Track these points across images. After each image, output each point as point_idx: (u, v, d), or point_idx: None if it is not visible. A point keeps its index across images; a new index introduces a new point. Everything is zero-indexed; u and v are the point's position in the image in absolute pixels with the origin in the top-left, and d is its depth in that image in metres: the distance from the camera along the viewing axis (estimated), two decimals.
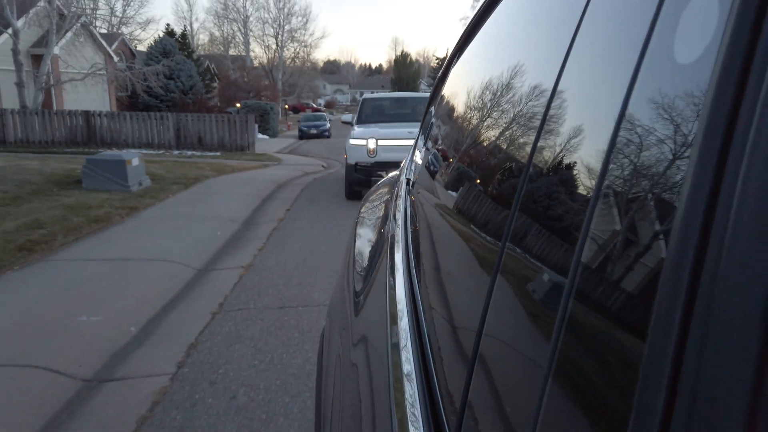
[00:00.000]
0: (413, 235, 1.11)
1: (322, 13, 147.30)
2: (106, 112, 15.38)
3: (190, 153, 14.47)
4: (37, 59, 18.39)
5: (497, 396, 0.46)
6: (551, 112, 0.50)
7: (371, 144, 7.28)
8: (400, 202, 1.46)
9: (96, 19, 17.59)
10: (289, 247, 5.16)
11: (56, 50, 17.60)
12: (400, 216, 1.33)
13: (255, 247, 5.15)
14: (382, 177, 2.50)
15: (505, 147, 0.68)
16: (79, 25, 18.74)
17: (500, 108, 0.75)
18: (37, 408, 2.40)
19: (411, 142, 6.15)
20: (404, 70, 63.19)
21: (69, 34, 18.49)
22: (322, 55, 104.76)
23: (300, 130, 25.28)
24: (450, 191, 0.96)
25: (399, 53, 67.72)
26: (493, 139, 0.76)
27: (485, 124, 0.84)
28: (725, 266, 0.22)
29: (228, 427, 2.33)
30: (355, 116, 8.77)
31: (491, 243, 0.59)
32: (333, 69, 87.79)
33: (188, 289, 4.01)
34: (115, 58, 23.28)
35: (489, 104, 0.84)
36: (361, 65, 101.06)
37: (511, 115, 0.68)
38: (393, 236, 1.21)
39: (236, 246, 5.22)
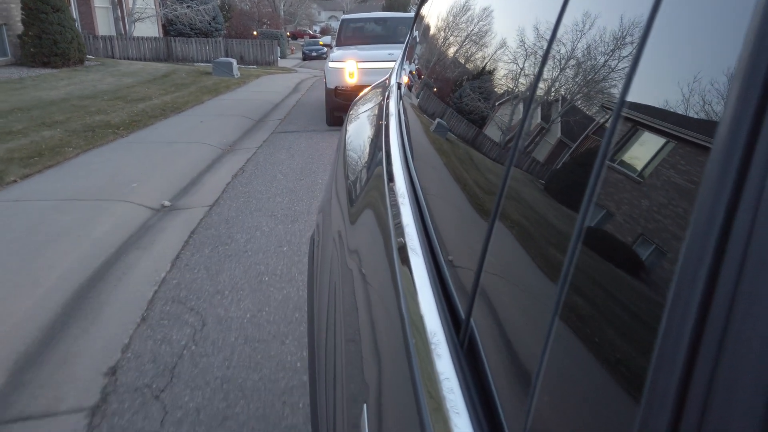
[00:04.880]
0: (408, 133, 1.10)
1: None
2: (179, 39, 22.89)
3: (237, 66, 22.12)
4: None
5: (512, 284, 0.43)
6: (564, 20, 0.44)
7: (351, 67, 7.04)
8: (392, 103, 1.44)
9: None
10: (314, 93, 13.31)
11: None
12: (393, 117, 1.30)
13: (303, 92, 13.35)
14: None
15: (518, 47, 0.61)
16: None
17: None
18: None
19: (393, 64, 6.22)
20: None
21: None
22: None
23: (303, 53, 32.73)
24: (449, 90, 0.93)
25: None
26: (512, 45, 0.65)
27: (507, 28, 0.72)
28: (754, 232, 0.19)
29: None
30: (335, 38, 8.57)
31: (503, 133, 0.54)
32: None
33: (284, 99, 12.09)
34: None
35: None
36: None
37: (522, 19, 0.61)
38: (388, 135, 1.19)
39: (295, 92, 13.39)
